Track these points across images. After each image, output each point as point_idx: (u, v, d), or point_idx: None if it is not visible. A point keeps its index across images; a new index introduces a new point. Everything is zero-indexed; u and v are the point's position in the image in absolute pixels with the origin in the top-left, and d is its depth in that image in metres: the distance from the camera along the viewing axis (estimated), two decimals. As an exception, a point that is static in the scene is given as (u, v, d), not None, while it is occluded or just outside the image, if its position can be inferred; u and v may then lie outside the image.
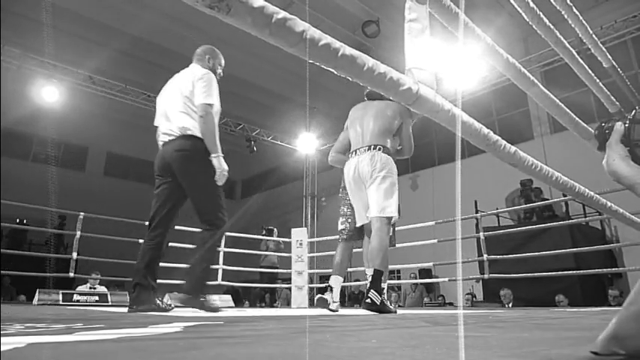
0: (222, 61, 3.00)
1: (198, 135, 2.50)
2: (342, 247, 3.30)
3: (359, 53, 0.63)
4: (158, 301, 2.54)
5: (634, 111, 0.73)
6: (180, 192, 2.62)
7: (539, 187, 8.01)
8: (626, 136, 0.72)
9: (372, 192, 2.86)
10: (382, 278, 2.79)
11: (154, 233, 2.64)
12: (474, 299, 7.94)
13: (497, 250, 5.72)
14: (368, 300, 2.67)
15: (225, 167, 2.55)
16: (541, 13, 1.27)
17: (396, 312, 2.92)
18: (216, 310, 2.57)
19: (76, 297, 4.67)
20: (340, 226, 3.38)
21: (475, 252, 6.01)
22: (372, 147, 2.93)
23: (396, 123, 3.03)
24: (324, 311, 3.19)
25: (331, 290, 3.06)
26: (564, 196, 5.48)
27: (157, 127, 2.77)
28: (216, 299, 5.92)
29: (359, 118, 3.11)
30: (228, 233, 6.29)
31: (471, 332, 1.23)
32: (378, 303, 2.68)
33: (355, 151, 3.01)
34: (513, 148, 0.95)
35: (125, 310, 2.74)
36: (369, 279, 2.71)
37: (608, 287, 6.66)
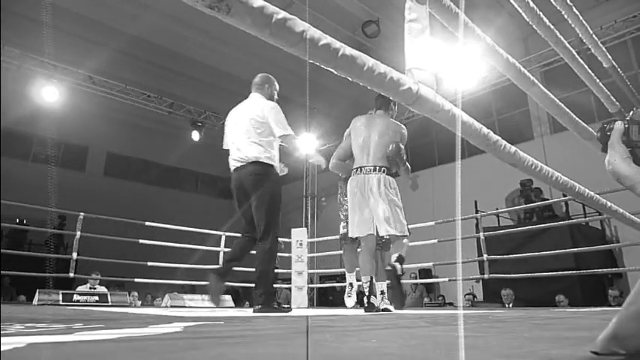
0: (278, 86, 3.28)
1: (267, 161, 2.92)
2: (349, 248, 3.62)
3: (359, 53, 0.63)
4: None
5: (632, 111, 0.73)
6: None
7: (539, 187, 8.01)
8: (627, 135, 0.72)
9: (386, 211, 3.04)
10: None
11: (240, 240, 3.11)
12: (475, 299, 7.94)
13: (497, 250, 5.72)
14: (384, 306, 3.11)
15: (319, 157, 3.28)
16: (541, 13, 1.27)
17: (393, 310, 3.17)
18: (288, 310, 2.92)
19: (76, 297, 4.66)
20: (342, 230, 3.61)
21: (475, 252, 6.01)
22: (378, 169, 3.12)
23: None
24: (324, 311, 3.23)
25: (351, 287, 3.57)
26: (564, 196, 5.48)
27: (226, 149, 3.15)
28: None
29: (363, 134, 3.24)
30: (229, 234, 6.33)
31: (471, 332, 1.23)
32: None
33: (361, 168, 3.16)
34: (513, 148, 0.95)
35: (125, 310, 2.74)
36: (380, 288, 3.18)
37: (609, 287, 6.65)
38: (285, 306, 3.00)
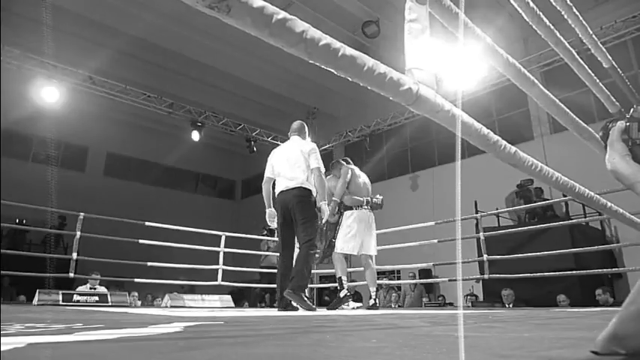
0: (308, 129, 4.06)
1: (308, 187, 3.58)
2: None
3: (359, 53, 0.62)
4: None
5: (632, 109, 0.73)
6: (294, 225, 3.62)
7: (539, 186, 8.00)
8: (627, 133, 0.71)
9: (374, 237, 4.31)
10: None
11: (285, 253, 3.62)
12: (476, 299, 7.92)
13: (497, 250, 5.71)
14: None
15: (328, 211, 3.71)
16: (541, 14, 1.27)
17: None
18: (312, 309, 3.29)
19: (76, 297, 4.66)
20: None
21: (475, 252, 6.01)
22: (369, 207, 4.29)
23: None
24: (324, 312, 3.25)
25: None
26: (564, 196, 5.48)
27: (270, 177, 3.78)
28: (216, 299, 5.91)
29: (359, 176, 4.38)
30: (228, 234, 6.34)
31: (472, 332, 1.23)
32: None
33: (360, 205, 4.21)
34: (513, 149, 0.95)
35: (125, 310, 2.74)
36: (374, 294, 4.27)
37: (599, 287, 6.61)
38: (312, 305, 3.37)
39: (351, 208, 4.22)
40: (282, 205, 3.61)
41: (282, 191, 3.63)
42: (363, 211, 4.21)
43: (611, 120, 0.76)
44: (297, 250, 3.65)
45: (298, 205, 3.52)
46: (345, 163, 4.48)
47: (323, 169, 3.70)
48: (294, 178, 3.58)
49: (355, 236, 4.13)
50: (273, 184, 3.79)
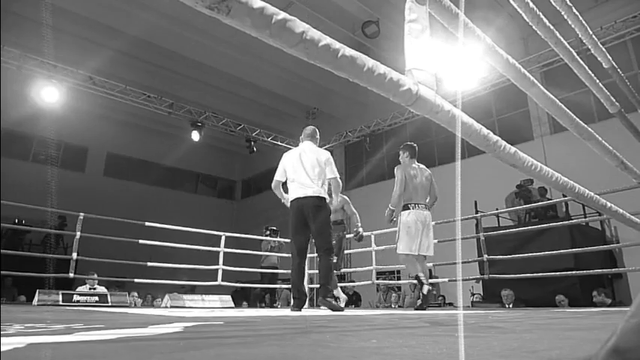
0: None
1: (324, 196, 3.71)
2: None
3: (359, 54, 0.63)
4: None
5: None
6: (309, 232, 3.75)
7: (543, 186, 7.99)
8: None
9: (431, 238, 4.35)
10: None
11: (300, 259, 3.72)
12: (481, 298, 7.89)
13: (497, 250, 5.70)
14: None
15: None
16: (541, 14, 1.27)
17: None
18: (340, 309, 3.48)
19: (75, 297, 4.66)
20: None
21: (475, 252, 6.01)
22: (426, 207, 4.34)
23: None
24: (323, 312, 3.27)
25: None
26: (564, 196, 5.48)
27: (279, 180, 3.87)
28: (216, 299, 5.91)
29: (415, 177, 4.30)
30: (228, 234, 6.34)
31: (472, 332, 1.23)
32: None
33: (417, 204, 4.25)
34: (513, 149, 0.95)
35: (125, 310, 2.74)
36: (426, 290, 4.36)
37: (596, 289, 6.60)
38: (341, 306, 3.61)
39: (407, 208, 4.24)
40: (298, 212, 3.71)
41: (298, 198, 3.72)
42: (419, 210, 4.25)
43: None
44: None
45: (316, 213, 3.63)
46: (405, 152, 4.42)
47: (339, 179, 3.84)
48: (311, 187, 3.69)
49: (414, 236, 4.19)
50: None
